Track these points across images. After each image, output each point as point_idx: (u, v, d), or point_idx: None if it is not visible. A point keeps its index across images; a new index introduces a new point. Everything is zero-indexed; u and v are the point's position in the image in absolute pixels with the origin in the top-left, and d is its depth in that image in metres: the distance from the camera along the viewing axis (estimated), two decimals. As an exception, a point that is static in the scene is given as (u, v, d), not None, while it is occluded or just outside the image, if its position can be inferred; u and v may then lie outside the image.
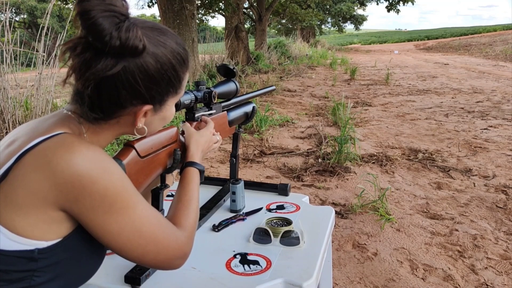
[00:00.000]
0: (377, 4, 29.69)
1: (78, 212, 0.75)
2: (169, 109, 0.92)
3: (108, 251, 0.91)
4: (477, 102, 7.65)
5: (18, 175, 0.72)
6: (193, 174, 1.04)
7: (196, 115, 1.23)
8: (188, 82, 1.12)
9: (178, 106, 1.12)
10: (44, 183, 0.72)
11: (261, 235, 1.26)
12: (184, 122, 1.19)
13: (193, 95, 1.19)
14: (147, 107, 0.85)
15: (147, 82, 0.82)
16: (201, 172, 1.06)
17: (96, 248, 0.84)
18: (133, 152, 0.93)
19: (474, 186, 3.56)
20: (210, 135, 1.16)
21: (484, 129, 5.57)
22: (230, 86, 1.39)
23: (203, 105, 1.30)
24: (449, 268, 2.32)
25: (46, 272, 0.76)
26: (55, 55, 4.14)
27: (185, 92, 1.15)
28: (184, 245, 0.88)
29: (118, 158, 0.90)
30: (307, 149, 4.67)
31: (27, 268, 0.74)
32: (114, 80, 0.79)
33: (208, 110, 1.30)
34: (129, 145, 0.93)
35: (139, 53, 0.79)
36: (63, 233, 0.77)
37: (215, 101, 1.30)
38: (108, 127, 0.86)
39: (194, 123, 1.21)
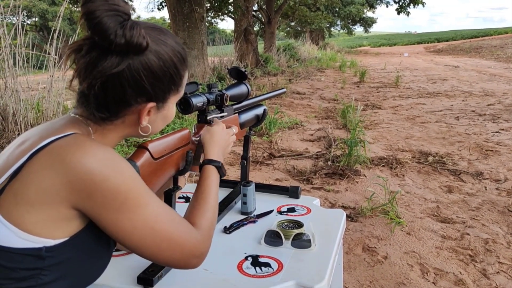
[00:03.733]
0: (387, 6, 29.57)
1: (91, 210, 0.76)
2: (171, 107, 0.94)
3: (122, 252, 0.91)
4: (488, 105, 7.58)
5: (31, 173, 0.74)
6: (210, 172, 1.04)
7: (208, 118, 1.24)
8: (200, 84, 1.15)
9: (190, 109, 1.13)
10: (56, 180, 0.73)
11: (273, 238, 1.26)
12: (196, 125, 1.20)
13: (205, 98, 1.19)
14: (151, 104, 0.87)
15: (151, 79, 0.85)
16: (218, 168, 1.06)
17: (103, 248, 0.85)
18: (147, 154, 0.94)
19: (486, 189, 3.53)
20: (222, 130, 1.16)
21: (496, 132, 5.53)
22: (242, 89, 1.39)
23: (215, 107, 1.31)
24: (461, 273, 2.30)
25: (53, 271, 0.76)
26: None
27: (197, 95, 1.16)
28: (200, 244, 0.88)
29: (132, 159, 0.91)
30: (317, 152, 4.66)
31: (34, 266, 0.74)
32: (120, 78, 0.81)
33: (220, 113, 1.30)
34: (142, 147, 0.94)
35: (143, 51, 0.82)
36: (71, 232, 0.77)
37: (227, 103, 1.31)
38: (114, 127, 0.88)
39: (206, 126, 1.22)
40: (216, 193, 1.01)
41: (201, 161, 1.09)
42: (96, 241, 0.82)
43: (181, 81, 0.92)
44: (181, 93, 0.95)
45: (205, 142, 1.11)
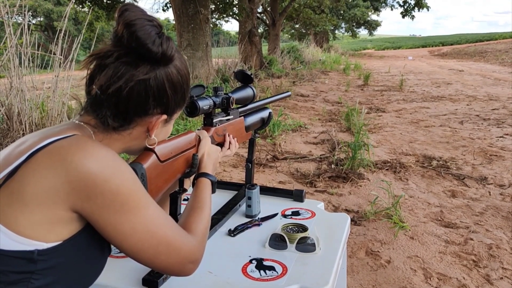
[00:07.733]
0: (391, 9, 29.62)
1: (90, 211, 0.75)
2: (172, 122, 0.97)
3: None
4: (493, 109, 7.56)
5: (28, 172, 0.72)
6: (206, 184, 1.06)
7: (214, 121, 1.25)
8: (206, 87, 1.17)
9: (197, 112, 1.13)
10: (56, 180, 0.72)
11: (277, 241, 1.26)
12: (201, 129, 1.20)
13: (211, 101, 1.20)
14: (164, 116, 0.90)
15: (171, 91, 0.88)
16: (213, 183, 1.08)
17: (97, 253, 0.84)
18: (153, 157, 0.94)
19: (490, 194, 3.52)
20: (216, 148, 1.19)
21: (500, 137, 5.51)
22: (248, 92, 1.40)
23: (221, 110, 1.31)
24: (464, 278, 2.30)
25: (44, 275, 0.74)
26: (72, 59, 4.19)
27: (204, 98, 1.17)
28: (195, 249, 0.89)
29: (138, 162, 0.91)
30: (320, 155, 4.66)
31: (26, 270, 0.73)
32: (146, 85, 0.84)
33: (226, 116, 1.31)
34: (149, 150, 0.95)
35: (170, 62, 0.86)
36: (65, 236, 0.76)
37: (233, 106, 1.32)
38: (120, 138, 0.88)
39: (212, 129, 1.23)
40: (210, 205, 1.03)
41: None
42: (90, 246, 0.81)
43: (187, 97, 0.96)
44: (181, 110, 0.97)
45: (204, 155, 1.12)
